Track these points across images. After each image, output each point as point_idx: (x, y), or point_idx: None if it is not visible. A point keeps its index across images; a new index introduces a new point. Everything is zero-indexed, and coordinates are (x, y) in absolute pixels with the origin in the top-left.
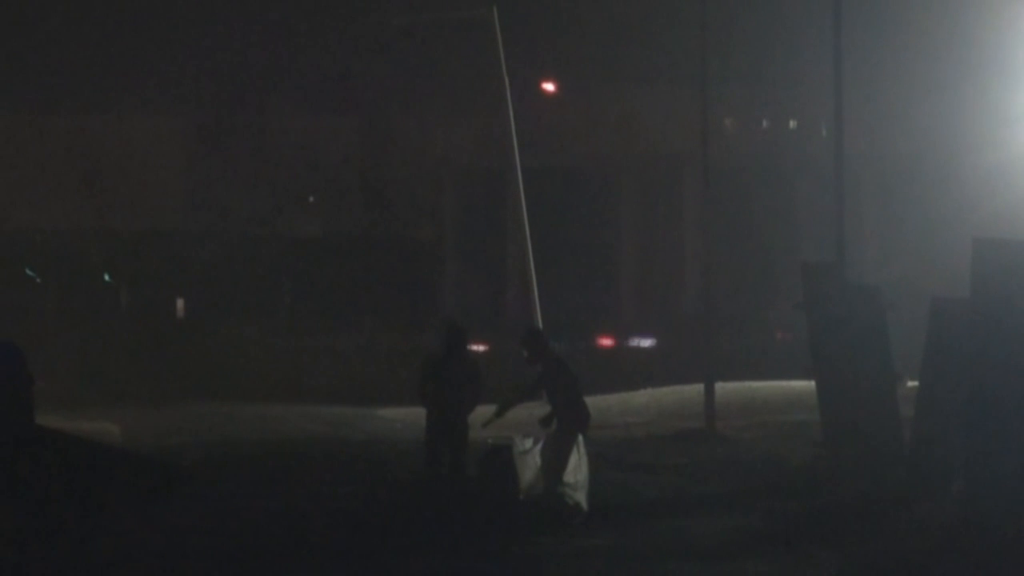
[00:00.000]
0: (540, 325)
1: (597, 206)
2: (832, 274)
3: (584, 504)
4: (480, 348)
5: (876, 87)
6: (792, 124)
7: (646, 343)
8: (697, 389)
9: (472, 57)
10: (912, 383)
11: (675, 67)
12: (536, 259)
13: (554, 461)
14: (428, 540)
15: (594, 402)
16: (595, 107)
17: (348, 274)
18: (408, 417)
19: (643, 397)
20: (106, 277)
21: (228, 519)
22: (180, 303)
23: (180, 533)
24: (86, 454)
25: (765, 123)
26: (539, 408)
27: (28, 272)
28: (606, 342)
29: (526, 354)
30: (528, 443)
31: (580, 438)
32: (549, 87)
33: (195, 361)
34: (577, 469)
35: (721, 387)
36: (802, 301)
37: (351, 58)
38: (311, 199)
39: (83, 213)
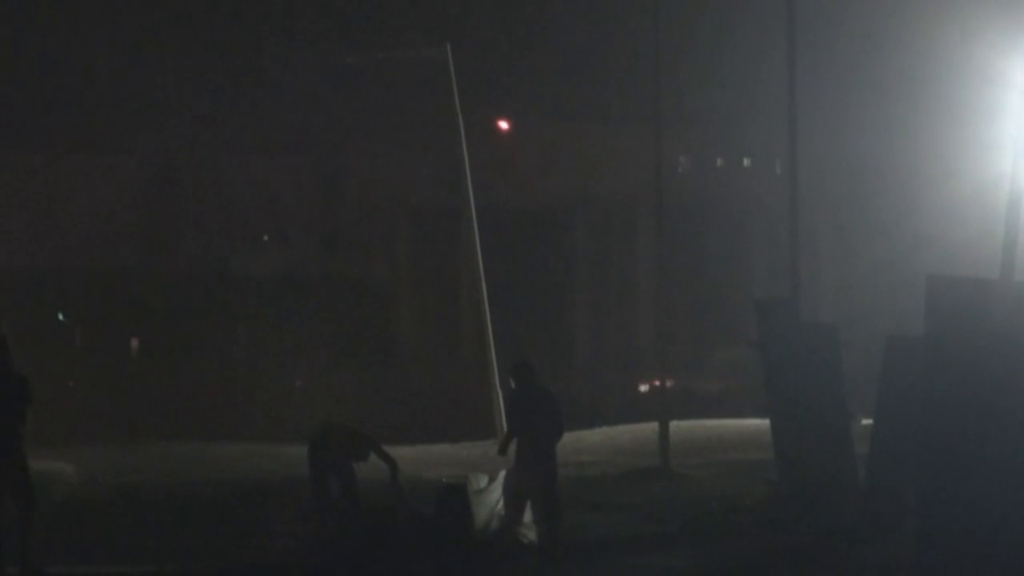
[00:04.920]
0: (495, 364)
1: (551, 245)
2: (786, 312)
3: (539, 543)
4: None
5: (830, 125)
6: (746, 162)
7: None
8: (651, 427)
9: (427, 96)
10: (866, 421)
11: (629, 106)
12: (490, 298)
13: (516, 501)
14: None
15: None
16: (549, 146)
17: (303, 313)
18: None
19: (597, 435)
20: (60, 316)
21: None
22: (135, 343)
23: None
24: None
25: (719, 161)
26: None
27: None
28: None
29: (512, 383)
30: (483, 481)
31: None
32: (504, 126)
33: (151, 400)
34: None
35: (676, 425)
36: (756, 339)
37: (305, 97)
38: (265, 238)
39: (37, 252)
